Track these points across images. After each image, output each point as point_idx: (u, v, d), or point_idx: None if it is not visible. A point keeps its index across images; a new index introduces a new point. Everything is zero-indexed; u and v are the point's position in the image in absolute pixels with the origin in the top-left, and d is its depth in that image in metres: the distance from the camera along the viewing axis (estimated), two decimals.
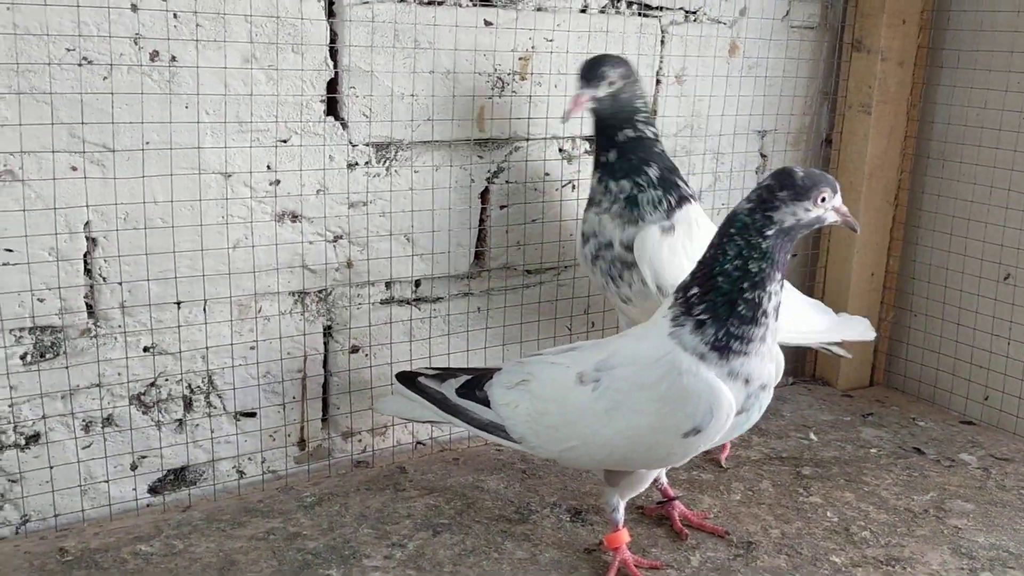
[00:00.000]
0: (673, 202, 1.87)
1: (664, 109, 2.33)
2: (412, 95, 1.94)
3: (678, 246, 1.84)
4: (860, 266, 2.60)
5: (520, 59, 2.07)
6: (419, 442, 2.18)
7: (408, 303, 2.09)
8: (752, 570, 1.70)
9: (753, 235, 1.48)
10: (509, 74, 2.06)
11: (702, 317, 1.49)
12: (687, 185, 1.92)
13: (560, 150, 2.21)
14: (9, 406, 1.67)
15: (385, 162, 1.96)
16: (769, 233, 1.48)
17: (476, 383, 1.72)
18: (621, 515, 1.68)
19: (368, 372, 2.05)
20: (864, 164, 2.53)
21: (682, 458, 1.59)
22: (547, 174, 2.19)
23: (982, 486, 2.09)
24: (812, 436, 2.31)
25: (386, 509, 1.85)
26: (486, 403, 1.69)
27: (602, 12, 2.18)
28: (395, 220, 2.00)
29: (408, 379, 1.80)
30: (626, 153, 1.87)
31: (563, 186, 2.22)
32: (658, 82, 2.31)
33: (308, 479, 1.97)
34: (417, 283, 2.10)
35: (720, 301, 1.49)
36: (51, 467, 1.71)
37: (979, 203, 2.44)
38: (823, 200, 1.49)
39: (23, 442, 1.70)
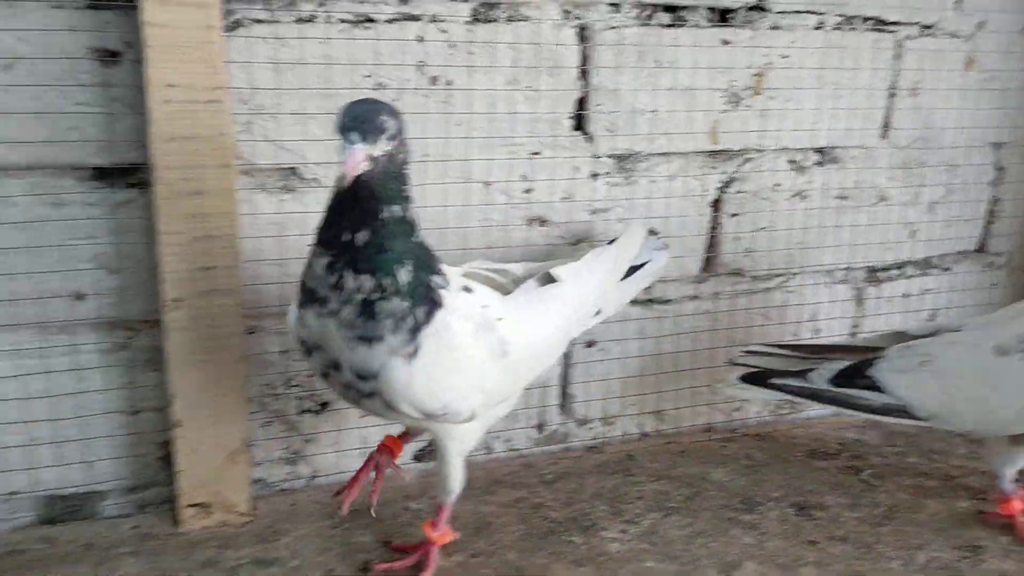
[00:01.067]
0: (421, 317, 1.41)
1: (898, 121, 2.36)
2: (653, 111, 2.10)
3: (432, 366, 1.42)
4: None
5: (755, 75, 2.18)
6: (644, 434, 2.33)
7: (641, 304, 2.25)
8: None
9: None
10: (744, 89, 2.18)
11: None
12: (440, 275, 1.47)
13: (790, 161, 2.30)
14: (308, 377, 1.97)
15: (624, 172, 2.14)
16: None
17: (853, 372, 1.88)
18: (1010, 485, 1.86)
19: (603, 366, 2.22)
20: None
21: None
22: (777, 184, 2.29)
23: None
24: None
25: (618, 490, 2.01)
26: (873, 388, 1.85)
27: (836, 28, 2.25)
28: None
29: (755, 379, 1.95)
30: (383, 239, 1.37)
31: (792, 196, 2.31)
32: (892, 95, 2.35)
33: (546, 459, 2.17)
34: (650, 285, 2.25)
35: None
36: (339, 430, 2.01)
37: None
38: None
39: (317, 408, 2.00)
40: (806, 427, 2.40)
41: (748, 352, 2.07)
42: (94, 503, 1.88)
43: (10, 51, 1.63)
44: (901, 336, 2.01)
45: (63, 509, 1.86)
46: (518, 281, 1.72)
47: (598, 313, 1.85)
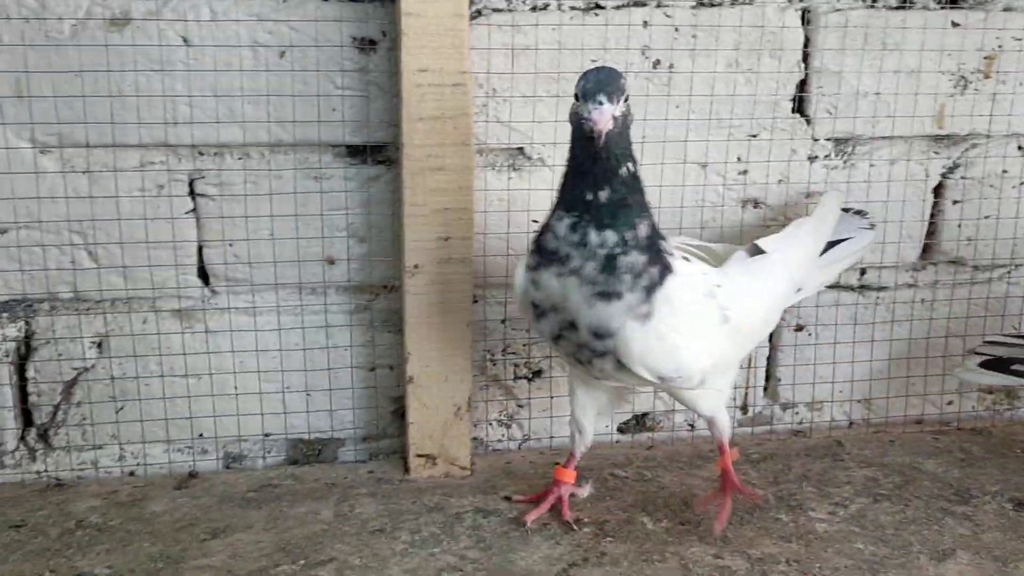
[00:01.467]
0: (655, 276, 1.49)
1: None
2: (876, 93, 2.08)
3: (666, 328, 1.50)
4: None
5: (985, 58, 2.11)
6: (851, 422, 2.30)
7: (853, 289, 2.23)
8: None
9: None
10: (972, 72, 2.11)
11: None
12: (665, 240, 1.57)
13: (1020, 147, 2.21)
14: (524, 345, 2.10)
15: (843, 155, 2.13)
16: None
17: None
18: None
19: (812, 350, 2.22)
20: None
21: None
22: (1005, 171, 2.20)
23: None
24: None
25: (826, 474, 2.01)
26: None
27: None
28: (886, 212, 2.15)
29: (997, 366, 1.94)
30: (624, 195, 1.47)
31: (1021, 184, 2.22)
32: None
33: (751, 439, 2.20)
34: (863, 271, 2.23)
35: None
36: (552, 397, 2.12)
37: None
38: None
39: (531, 375, 2.12)
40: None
41: (989, 343, 2.03)
42: (334, 448, 2.09)
43: (285, 40, 1.84)
44: None
45: (308, 452, 2.08)
46: (719, 259, 1.77)
47: (799, 290, 1.87)
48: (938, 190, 2.20)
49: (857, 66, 2.06)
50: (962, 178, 2.19)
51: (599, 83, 1.42)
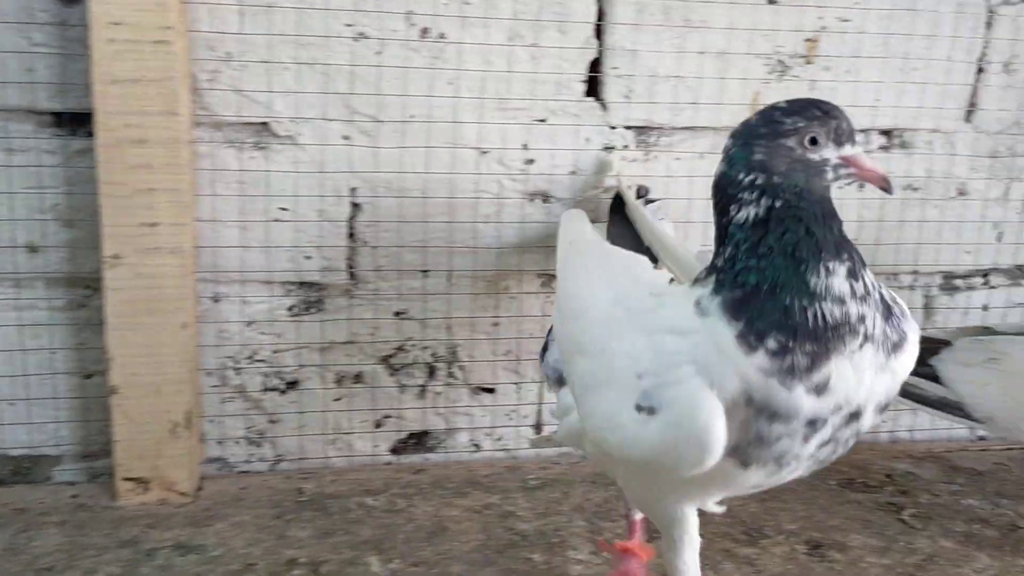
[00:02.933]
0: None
1: (986, 102, 2.01)
2: (678, 76, 1.84)
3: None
4: None
5: (807, 40, 1.88)
6: None
7: None
8: None
9: None
10: (792, 57, 1.89)
11: None
12: None
13: None
14: (274, 352, 1.82)
15: (644, 146, 1.89)
16: None
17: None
18: None
19: None
20: None
21: None
22: None
23: None
24: None
25: (606, 505, 1.77)
26: (932, 379, 1.68)
27: None
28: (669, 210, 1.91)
29: None
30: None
31: (848, 184, 1.99)
32: (980, 71, 1.99)
33: (538, 463, 1.95)
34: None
35: None
36: (303, 413, 1.85)
37: None
38: None
39: (283, 387, 1.85)
40: (851, 452, 2.08)
41: None
42: (47, 467, 1.80)
43: None
44: (987, 332, 1.79)
45: (14, 470, 1.78)
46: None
47: None
48: None
49: (656, 44, 1.82)
50: None
51: (847, 123, 1.12)
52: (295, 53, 1.68)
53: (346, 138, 1.75)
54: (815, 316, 1.04)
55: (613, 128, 1.86)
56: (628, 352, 1.14)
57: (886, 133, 2.00)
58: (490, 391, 1.95)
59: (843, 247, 1.09)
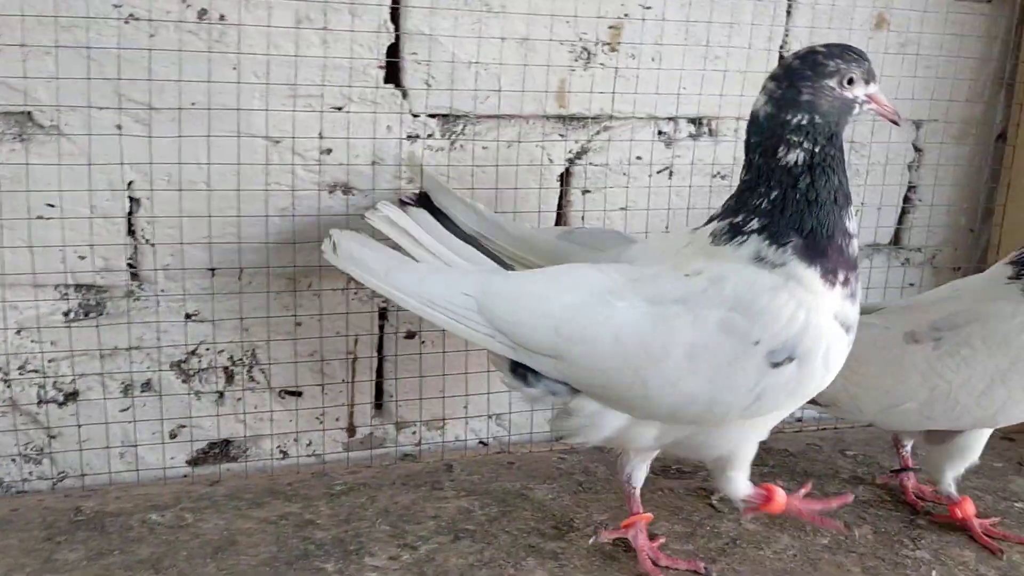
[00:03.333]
0: None
1: None
2: (480, 63, 1.79)
3: None
4: None
5: (610, 27, 1.86)
6: (482, 441, 2.02)
7: None
8: None
9: None
10: (596, 44, 1.86)
11: None
12: None
13: (660, 132, 1.98)
14: (49, 361, 1.68)
15: (450, 136, 1.83)
16: None
17: None
18: (954, 489, 1.71)
19: (424, 360, 1.91)
20: None
21: None
22: (639, 157, 1.97)
23: None
24: None
25: (414, 507, 1.70)
26: None
27: None
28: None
29: None
30: None
31: (658, 172, 1.99)
32: (782, 58, 2.02)
33: (347, 467, 1.87)
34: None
35: None
36: (82, 426, 1.71)
37: None
38: None
39: (61, 399, 1.70)
40: None
41: None
42: None
43: None
44: None
45: None
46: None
47: None
48: (565, 177, 1.94)
49: (455, 30, 1.76)
50: (591, 164, 1.94)
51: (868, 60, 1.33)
52: (56, 36, 1.54)
53: (118, 127, 1.62)
54: (852, 251, 1.32)
55: (416, 116, 1.79)
56: (715, 332, 1.30)
57: (694, 121, 2.01)
58: (296, 394, 1.86)
59: (850, 193, 1.33)
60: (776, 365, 1.29)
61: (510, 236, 1.63)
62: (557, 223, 1.96)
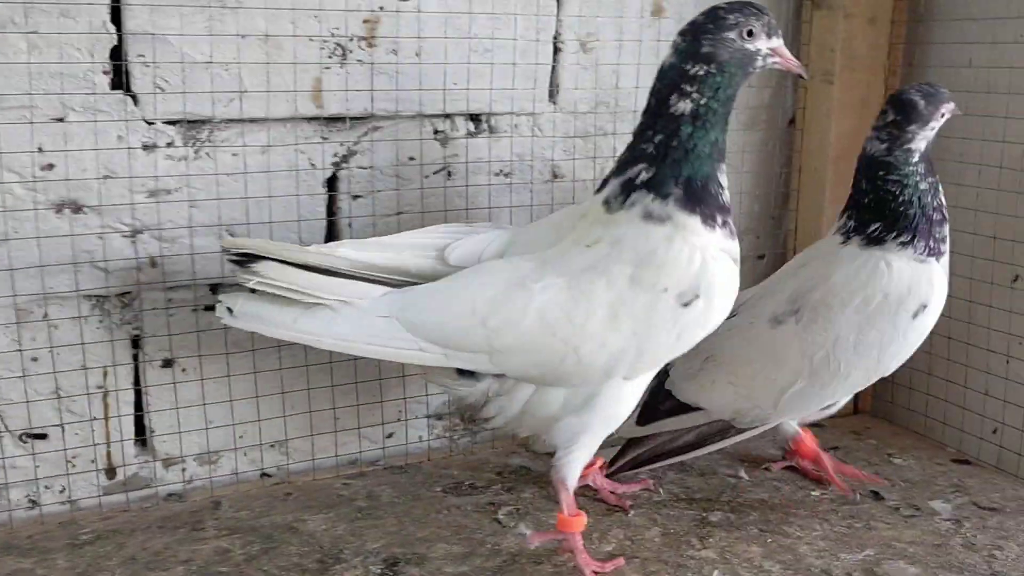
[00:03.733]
0: None
1: (568, 81, 1.97)
2: (217, 63, 1.66)
3: None
4: None
5: (365, 21, 1.76)
6: (264, 472, 1.87)
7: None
8: None
9: (900, 162, 1.63)
10: (351, 39, 1.76)
11: (903, 239, 1.62)
12: None
13: (436, 131, 1.88)
14: None
15: (194, 143, 1.69)
16: (914, 160, 1.62)
17: (651, 401, 1.73)
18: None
19: (186, 389, 1.76)
20: (828, 146, 2.10)
21: (915, 345, 1.65)
22: (412, 158, 1.87)
23: (943, 543, 1.63)
24: (742, 473, 1.88)
25: (166, 552, 1.55)
26: (677, 411, 1.72)
27: None
28: (214, 211, 1.72)
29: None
30: None
31: (435, 173, 1.89)
32: (557, 50, 1.95)
33: (101, 513, 1.70)
34: None
35: (884, 211, 1.63)
36: None
37: (986, 189, 1.95)
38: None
39: None
40: (468, 453, 1.99)
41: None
42: None
43: None
44: None
45: None
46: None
47: None
48: (334, 183, 1.82)
49: (185, 28, 1.63)
50: (360, 167, 1.83)
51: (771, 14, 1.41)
52: None
53: None
54: (725, 199, 1.44)
55: (150, 124, 1.65)
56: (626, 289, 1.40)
57: (473, 117, 1.92)
58: (40, 436, 1.68)
59: (724, 150, 1.43)
60: (687, 304, 1.40)
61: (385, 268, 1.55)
62: (329, 231, 1.84)
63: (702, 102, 1.38)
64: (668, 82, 1.40)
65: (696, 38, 1.38)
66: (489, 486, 1.82)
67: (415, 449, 1.99)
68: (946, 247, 1.65)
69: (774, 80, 2.19)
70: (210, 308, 1.74)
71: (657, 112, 1.42)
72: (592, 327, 1.41)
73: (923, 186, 1.62)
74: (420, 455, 1.97)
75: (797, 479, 1.87)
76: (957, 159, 1.99)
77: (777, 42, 1.41)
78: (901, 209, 1.62)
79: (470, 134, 1.92)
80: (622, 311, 1.40)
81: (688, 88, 1.38)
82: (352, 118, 1.79)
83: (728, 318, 1.70)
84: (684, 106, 1.38)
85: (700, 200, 1.40)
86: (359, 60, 1.77)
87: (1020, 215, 1.86)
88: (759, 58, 1.40)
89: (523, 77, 1.91)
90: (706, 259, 1.40)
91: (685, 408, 1.72)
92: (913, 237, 1.61)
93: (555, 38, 1.94)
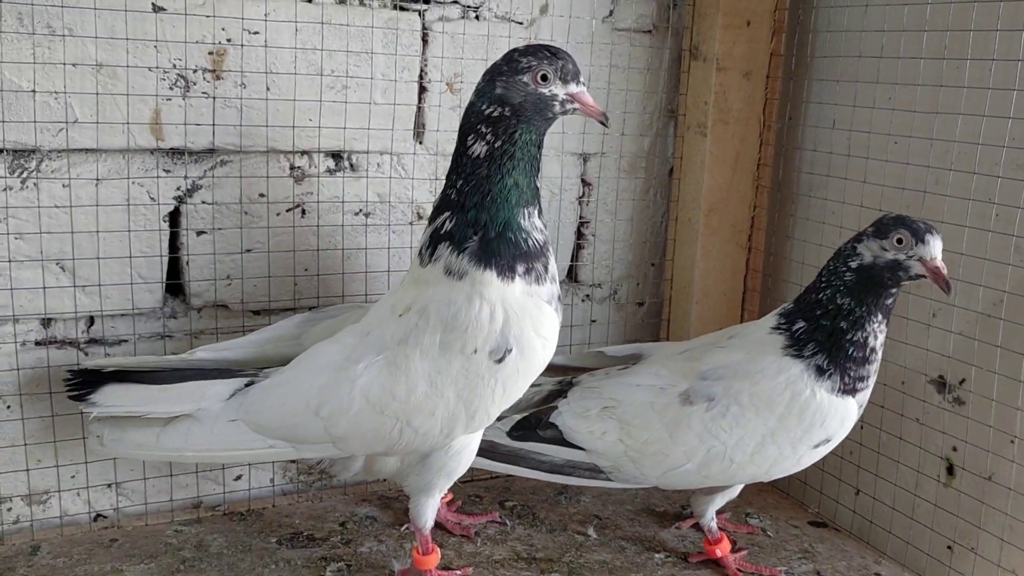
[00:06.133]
0: None
1: (434, 122, 1.92)
2: (44, 91, 1.59)
3: None
4: (701, 322, 2.12)
5: (210, 53, 1.70)
6: (99, 514, 1.79)
7: (75, 345, 1.72)
8: None
9: (840, 264, 1.54)
10: (195, 71, 1.69)
11: (820, 363, 1.55)
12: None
13: (292, 167, 1.83)
14: None
15: (21, 173, 1.61)
16: (853, 265, 1.52)
17: (534, 422, 1.67)
18: (716, 524, 1.72)
19: (18, 426, 1.68)
20: (701, 197, 2.07)
21: (805, 466, 1.63)
22: (261, 195, 1.81)
23: None
24: (591, 532, 1.84)
25: None
26: (558, 441, 1.65)
27: (340, 3, 1.79)
28: (42, 244, 1.65)
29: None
30: None
31: (289, 210, 1.84)
32: (423, 89, 1.91)
33: None
34: (91, 321, 1.73)
35: (827, 341, 1.54)
36: None
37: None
38: (899, 242, 1.48)
39: None
40: (316, 500, 1.92)
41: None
42: None
43: None
44: (599, 358, 1.82)
45: None
46: None
47: None
48: (175, 218, 1.76)
49: (14, 55, 1.56)
50: (204, 203, 1.77)
51: (575, 63, 1.37)
52: None
53: None
54: (531, 243, 1.38)
55: None
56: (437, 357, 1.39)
57: (335, 156, 1.87)
58: None
59: (536, 193, 1.39)
60: (500, 361, 1.38)
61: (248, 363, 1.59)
62: (171, 268, 1.77)
63: (496, 144, 1.35)
64: (466, 123, 1.39)
65: (492, 79, 1.36)
66: (328, 537, 1.76)
67: (264, 493, 1.92)
68: (869, 382, 1.58)
69: (654, 127, 2.16)
70: (39, 343, 1.69)
71: (457, 154, 1.39)
72: (416, 399, 1.40)
73: (842, 302, 1.54)
74: (266, 500, 1.90)
75: (646, 539, 1.83)
76: (818, 220, 1.98)
77: (576, 88, 1.37)
78: (847, 344, 1.54)
79: (330, 172, 1.86)
80: (440, 379, 1.39)
81: (483, 130, 1.35)
82: (196, 152, 1.73)
83: (638, 366, 1.71)
84: (479, 148, 1.36)
85: (495, 252, 1.36)
86: (204, 93, 1.71)
87: None
88: (556, 103, 1.36)
89: (383, 116, 1.86)
90: (508, 314, 1.37)
91: (566, 443, 1.66)
92: (843, 374, 1.55)
93: (420, 77, 1.90)
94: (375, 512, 1.87)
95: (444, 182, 1.43)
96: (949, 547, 1.74)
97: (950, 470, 1.75)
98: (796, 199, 2.05)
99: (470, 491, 1.99)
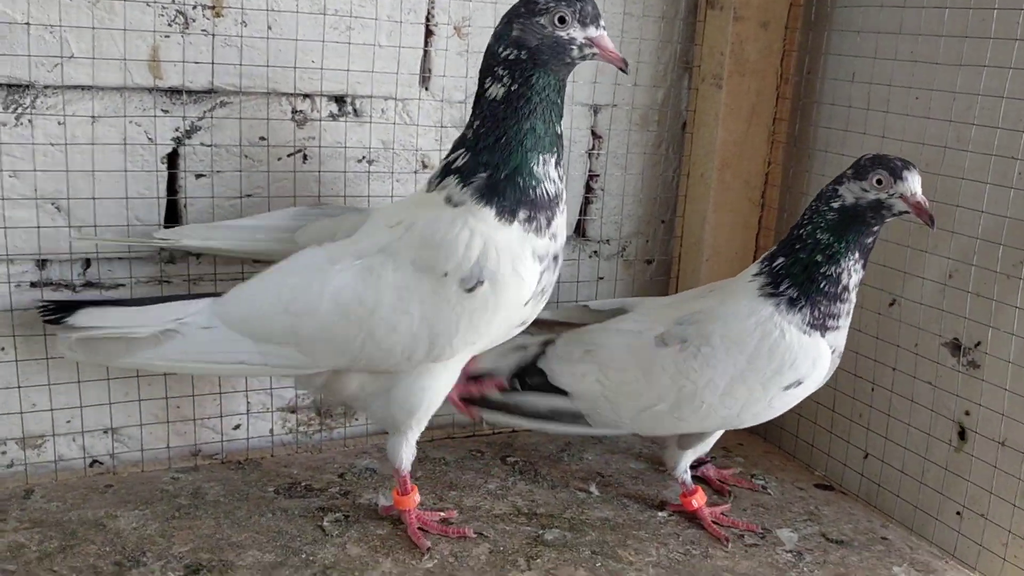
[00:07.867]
0: None
1: (440, 67, 1.87)
2: (39, 24, 1.54)
3: None
4: (711, 280, 2.07)
5: None
6: (95, 460, 1.77)
7: (71, 288, 1.69)
8: None
9: (823, 204, 1.53)
10: (195, 7, 1.64)
11: (792, 295, 1.54)
12: None
13: (294, 111, 1.78)
14: None
15: (15, 108, 1.57)
16: (835, 206, 1.52)
17: (522, 373, 1.68)
18: (690, 475, 1.72)
19: (12, 368, 1.65)
20: (714, 152, 2.01)
21: (779, 411, 1.60)
22: (262, 138, 1.76)
23: None
24: (593, 489, 1.81)
25: None
26: (544, 388, 1.66)
27: None
28: (36, 182, 1.60)
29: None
30: None
31: (291, 155, 1.79)
32: (430, 32, 1.85)
33: None
34: (87, 263, 1.69)
35: (801, 274, 1.53)
36: None
37: None
38: (879, 183, 1.47)
39: None
40: (315, 451, 1.90)
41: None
42: None
43: None
44: (584, 312, 1.81)
45: None
46: None
47: None
48: (173, 159, 1.72)
49: None
50: (203, 144, 1.72)
51: (596, 6, 1.34)
52: None
53: None
54: (540, 193, 1.36)
55: None
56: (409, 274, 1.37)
57: (338, 100, 1.81)
58: None
59: (556, 141, 1.37)
60: (470, 291, 1.35)
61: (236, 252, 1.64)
62: (170, 210, 1.73)
63: (513, 88, 1.33)
64: (484, 65, 1.37)
65: (509, 21, 1.34)
66: (326, 488, 1.74)
67: (263, 443, 1.90)
68: (840, 323, 1.56)
69: (668, 79, 2.10)
70: (35, 284, 1.66)
71: (477, 95, 1.38)
72: (382, 312, 1.38)
73: (822, 238, 1.54)
74: (265, 450, 1.88)
75: (649, 497, 1.80)
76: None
77: (595, 32, 1.33)
78: (819, 277, 1.53)
79: (332, 116, 1.81)
80: (407, 295, 1.38)
81: (500, 72, 1.33)
82: (195, 91, 1.68)
83: (626, 317, 1.71)
84: (496, 90, 1.34)
85: (499, 192, 1.35)
86: (203, 30, 1.66)
87: (893, 240, 1.79)
88: (574, 47, 1.33)
89: (388, 59, 1.81)
90: (487, 246, 1.35)
91: (552, 389, 1.67)
92: (814, 307, 1.54)
93: (427, 20, 1.84)
94: (374, 464, 1.85)
95: (468, 121, 1.41)
96: (958, 512, 1.71)
97: (962, 434, 1.71)
98: (812, 155, 1.99)
99: (471, 446, 1.97)
